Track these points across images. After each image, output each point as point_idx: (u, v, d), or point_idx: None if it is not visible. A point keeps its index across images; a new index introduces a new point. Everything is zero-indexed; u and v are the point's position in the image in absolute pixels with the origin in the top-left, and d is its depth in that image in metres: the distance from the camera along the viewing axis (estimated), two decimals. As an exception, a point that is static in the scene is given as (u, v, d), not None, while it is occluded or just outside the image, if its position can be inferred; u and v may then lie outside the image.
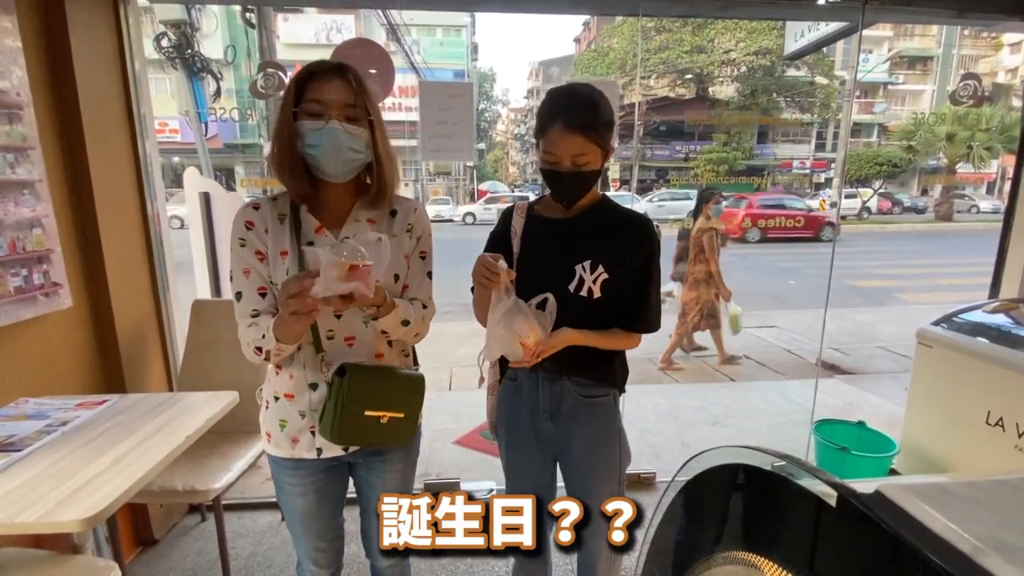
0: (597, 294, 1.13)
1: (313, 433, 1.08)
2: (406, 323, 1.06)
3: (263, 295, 1.04)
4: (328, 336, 1.06)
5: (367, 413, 1.02)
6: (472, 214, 15.74)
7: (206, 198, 2.38)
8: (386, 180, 1.04)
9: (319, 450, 1.09)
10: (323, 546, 1.20)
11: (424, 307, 1.13)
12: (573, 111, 1.05)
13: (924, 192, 19.89)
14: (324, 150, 0.96)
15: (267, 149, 1.07)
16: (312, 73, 0.97)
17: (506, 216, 1.23)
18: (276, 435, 1.10)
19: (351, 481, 1.23)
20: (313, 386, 1.07)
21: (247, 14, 3.46)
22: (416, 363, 1.24)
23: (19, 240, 1.47)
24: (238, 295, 1.04)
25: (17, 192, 1.47)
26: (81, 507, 1.02)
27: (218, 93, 3.65)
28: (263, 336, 0.98)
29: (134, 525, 2.00)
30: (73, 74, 1.64)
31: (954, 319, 2.25)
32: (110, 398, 1.52)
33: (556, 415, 1.20)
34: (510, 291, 1.02)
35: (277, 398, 1.10)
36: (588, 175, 1.09)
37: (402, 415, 1.07)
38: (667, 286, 4.58)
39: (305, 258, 0.98)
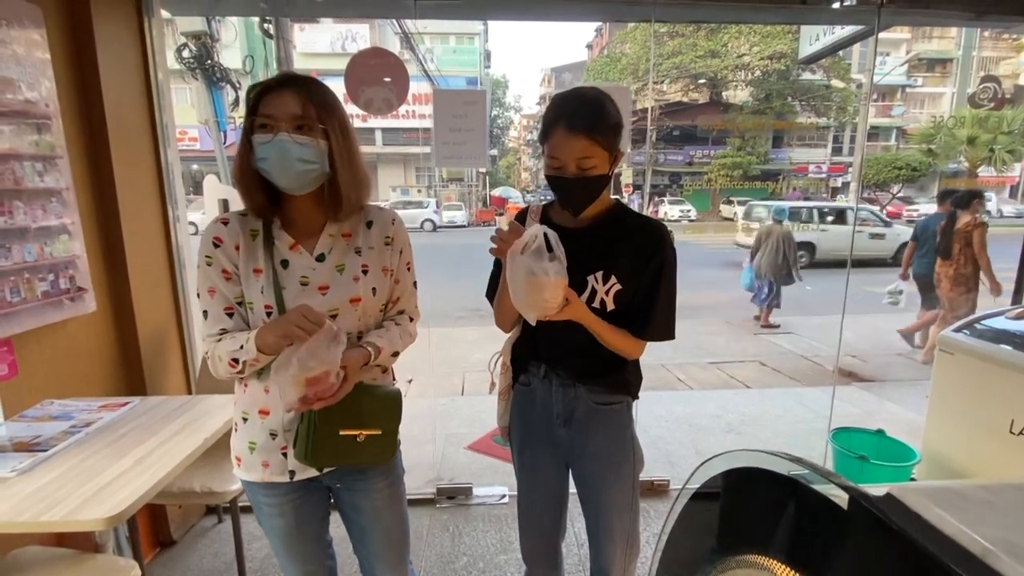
0: (611, 306, 1.11)
1: (284, 455, 1.04)
2: (396, 354, 1.10)
3: (230, 315, 1.01)
4: None
5: (342, 432, 1.00)
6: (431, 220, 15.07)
7: (225, 205, 2.44)
8: (339, 190, 1.01)
9: (291, 472, 1.06)
10: (312, 569, 1.17)
11: (411, 320, 1.15)
12: (577, 113, 1.02)
13: (944, 196, 19.50)
14: (273, 162, 0.95)
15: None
16: (264, 89, 0.97)
17: (519, 220, 1.22)
18: (246, 458, 1.07)
19: (339, 512, 1.20)
20: None
21: (265, 25, 3.53)
22: (394, 378, 1.22)
23: (46, 246, 1.51)
24: (204, 314, 1.02)
25: (45, 200, 1.52)
26: (104, 507, 1.05)
27: (236, 102, 3.73)
28: (241, 347, 0.96)
29: (153, 526, 2.04)
30: (99, 85, 1.70)
31: (976, 325, 2.20)
32: (132, 400, 1.55)
33: (570, 421, 1.19)
34: (530, 245, 0.98)
35: (246, 418, 1.06)
36: (595, 180, 1.06)
37: (379, 432, 1.04)
38: (895, 285, 4.55)
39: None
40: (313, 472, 1.07)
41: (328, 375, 0.93)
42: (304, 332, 0.90)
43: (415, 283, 1.17)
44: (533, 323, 1.03)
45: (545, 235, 0.98)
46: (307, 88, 0.97)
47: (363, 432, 1.02)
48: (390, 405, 1.07)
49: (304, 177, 0.98)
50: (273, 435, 1.04)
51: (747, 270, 6.03)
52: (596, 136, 1.02)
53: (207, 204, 2.47)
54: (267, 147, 0.94)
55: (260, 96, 0.96)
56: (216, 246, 1.01)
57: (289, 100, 0.95)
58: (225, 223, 1.02)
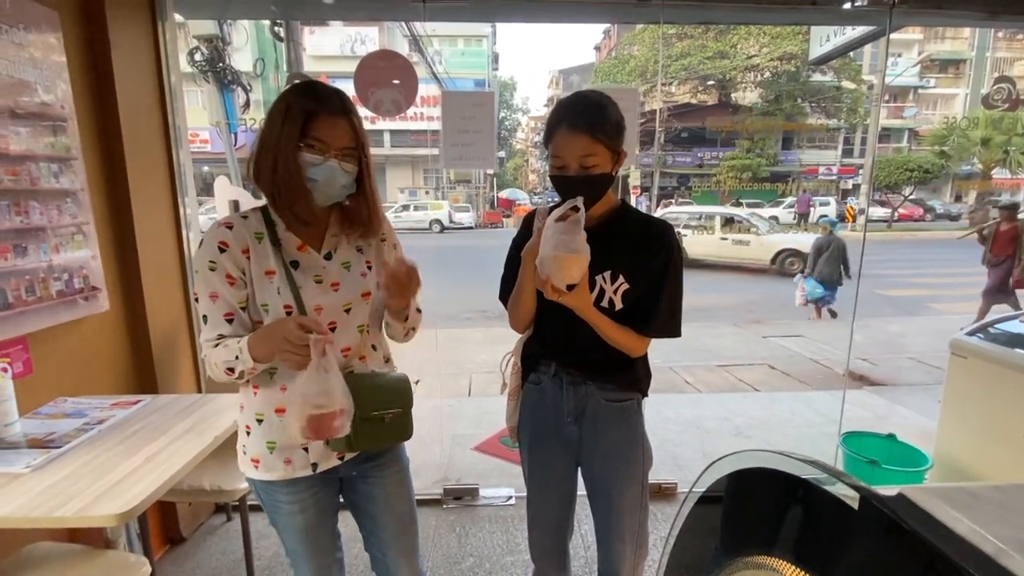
0: (619, 306, 1.12)
1: (306, 449, 1.06)
2: (419, 310, 1.19)
3: (229, 321, 1.01)
4: None
5: (374, 413, 1.04)
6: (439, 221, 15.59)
7: (235, 206, 2.46)
8: (373, 209, 1.09)
9: (315, 465, 1.07)
10: (327, 562, 1.19)
11: (418, 310, 1.20)
12: (579, 113, 1.05)
13: (958, 198, 19.28)
14: (320, 184, 0.99)
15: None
16: (317, 111, 0.98)
17: (527, 222, 1.23)
18: (265, 459, 1.06)
19: (349, 507, 1.22)
20: None
21: (276, 28, 3.57)
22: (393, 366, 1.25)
23: (61, 246, 1.54)
24: (203, 318, 1.02)
25: (60, 200, 1.54)
26: (115, 503, 1.06)
27: (247, 104, 3.76)
28: (236, 357, 0.96)
29: (163, 523, 2.06)
30: (114, 88, 1.72)
31: (990, 329, 2.18)
32: (143, 398, 1.57)
33: (580, 419, 1.20)
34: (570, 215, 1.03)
35: (261, 420, 1.05)
36: (598, 179, 1.06)
37: (400, 410, 1.09)
38: None
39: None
40: (334, 462, 1.10)
41: (340, 414, 0.94)
42: (295, 349, 0.90)
43: None
44: (561, 285, 1.06)
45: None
46: (355, 117, 1.02)
47: (390, 412, 1.07)
48: (404, 386, 1.13)
49: (338, 198, 1.05)
50: None
51: (810, 280, 6.06)
52: (598, 134, 1.03)
53: (218, 205, 2.50)
54: (317, 169, 0.99)
55: (314, 114, 0.97)
56: (222, 251, 0.99)
57: (343, 130, 1.00)
58: (230, 227, 1.01)
